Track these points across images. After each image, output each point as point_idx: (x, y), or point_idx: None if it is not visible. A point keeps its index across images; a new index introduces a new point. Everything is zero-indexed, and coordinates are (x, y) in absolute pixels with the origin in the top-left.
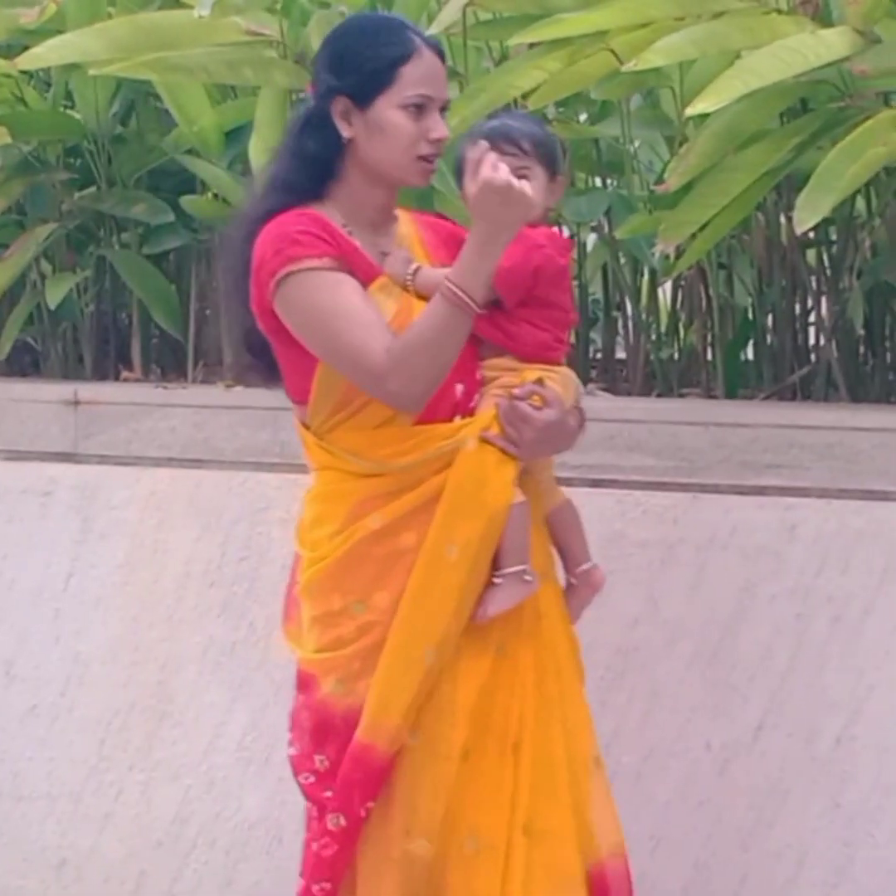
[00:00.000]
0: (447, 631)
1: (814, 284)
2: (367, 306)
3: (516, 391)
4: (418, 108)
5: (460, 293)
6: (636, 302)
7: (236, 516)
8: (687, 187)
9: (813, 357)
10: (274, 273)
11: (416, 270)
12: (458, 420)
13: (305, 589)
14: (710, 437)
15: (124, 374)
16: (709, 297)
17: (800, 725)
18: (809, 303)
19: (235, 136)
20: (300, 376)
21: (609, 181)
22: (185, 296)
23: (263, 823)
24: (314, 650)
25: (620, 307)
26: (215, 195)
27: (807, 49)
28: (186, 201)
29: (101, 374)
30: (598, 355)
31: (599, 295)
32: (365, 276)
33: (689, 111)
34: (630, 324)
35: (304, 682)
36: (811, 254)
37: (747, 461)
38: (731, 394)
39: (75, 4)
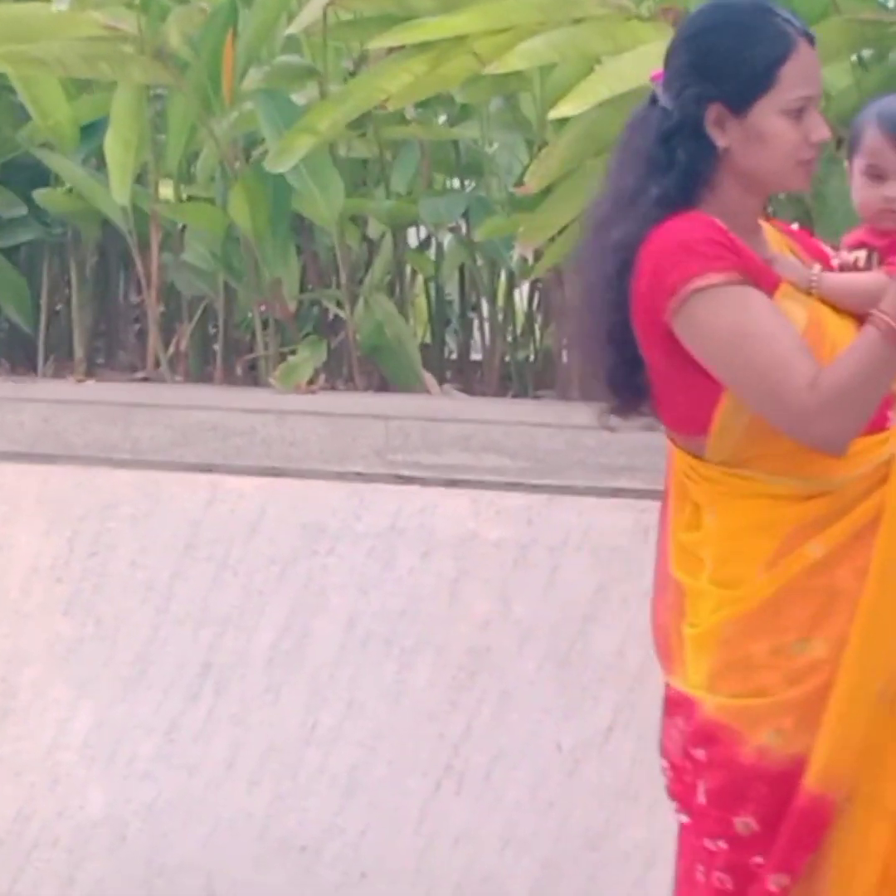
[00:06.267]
0: None
1: None
2: (784, 328)
3: None
4: (799, 111)
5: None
6: (493, 303)
7: (85, 512)
8: (546, 191)
9: None
10: (673, 292)
11: (820, 274)
12: (882, 432)
13: (715, 631)
14: (566, 439)
15: None
16: (566, 300)
17: (651, 727)
18: None
19: (91, 130)
20: (698, 406)
21: (467, 183)
22: (36, 290)
23: (107, 822)
24: (730, 695)
25: (476, 308)
26: (69, 189)
27: None
28: (40, 195)
29: None
30: (454, 356)
31: (455, 296)
32: (767, 284)
33: (552, 114)
34: (486, 325)
35: (712, 736)
36: None
37: (602, 463)
38: (586, 396)
39: None
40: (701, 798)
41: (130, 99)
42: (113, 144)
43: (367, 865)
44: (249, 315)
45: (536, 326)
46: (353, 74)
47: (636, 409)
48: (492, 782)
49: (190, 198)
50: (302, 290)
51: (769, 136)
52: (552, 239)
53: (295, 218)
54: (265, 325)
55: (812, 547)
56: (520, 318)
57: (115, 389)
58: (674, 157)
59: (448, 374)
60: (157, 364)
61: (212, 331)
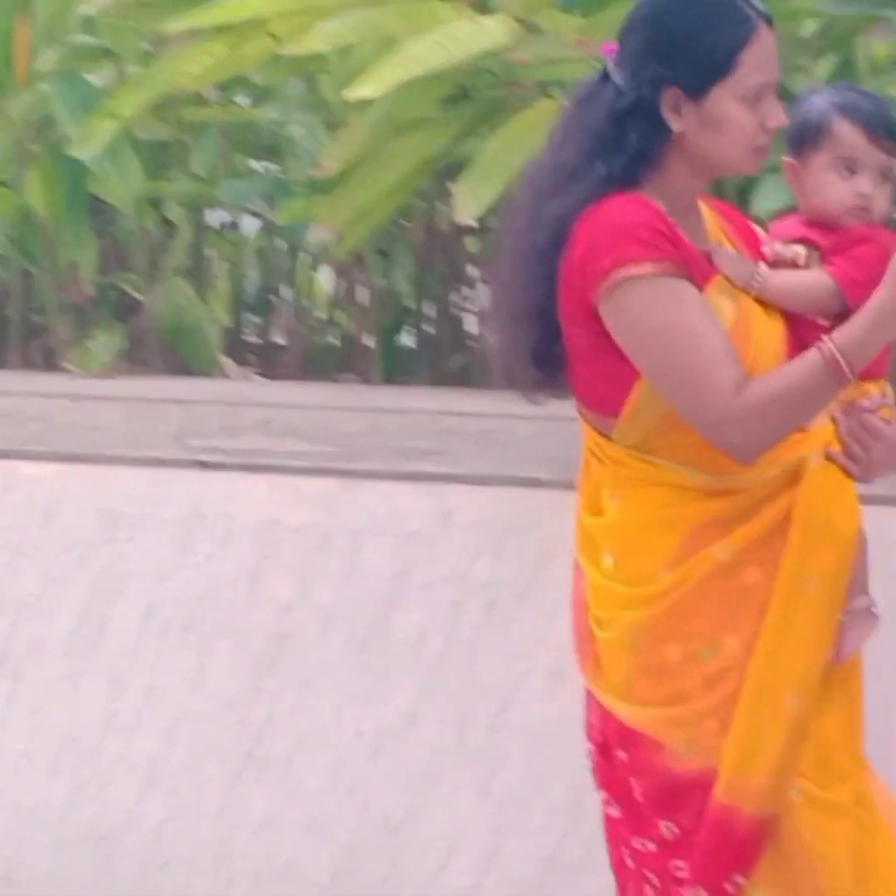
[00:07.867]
0: (810, 673)
1: (473, 271)
2: (713, 328)
3: (865, 403)
4: (756, 96)
5: (844, 365)
6: (294, 287)
7: None
8: (346, 173)
9: (471, 344)
10: (605, 274)
11: (765, 274)
12: (796, 434)
13: (626, 637)
14: (366, 423)
15: None
16: (368, 284)
17: (452, 712)
18: (468, 290)
19: None
20: (612, 388)
21: (268, 165)
22: None
23: None
24: (644, 704)
25: (278, 292)
26: None
27: (467, 37)
28: None
29: None
30: (256, 340)
31: (257, 279)
32: (700, 276)
33: (349, 95)
34: (288, 308)
35: (631, 740)
36: (470, 241)
37: (403, 447)
38: (388, 380)
39: None
40: (637, 797)
41: None
42: None
43: (167, 854)
44: (46, 299)
45: (338, 310)
46: (150, 56)
47: (556, 384)
48: (293, 769)
49: None
50: (100, 273)
51: (725, 121)
52: (354, 221)
53: (93, 201)
54: (63, 309)
55: (717, 549)
56: (322, 302)
57: None
58: (625, 138)
59: (250, 358)
60: None
61: (7, 315)
